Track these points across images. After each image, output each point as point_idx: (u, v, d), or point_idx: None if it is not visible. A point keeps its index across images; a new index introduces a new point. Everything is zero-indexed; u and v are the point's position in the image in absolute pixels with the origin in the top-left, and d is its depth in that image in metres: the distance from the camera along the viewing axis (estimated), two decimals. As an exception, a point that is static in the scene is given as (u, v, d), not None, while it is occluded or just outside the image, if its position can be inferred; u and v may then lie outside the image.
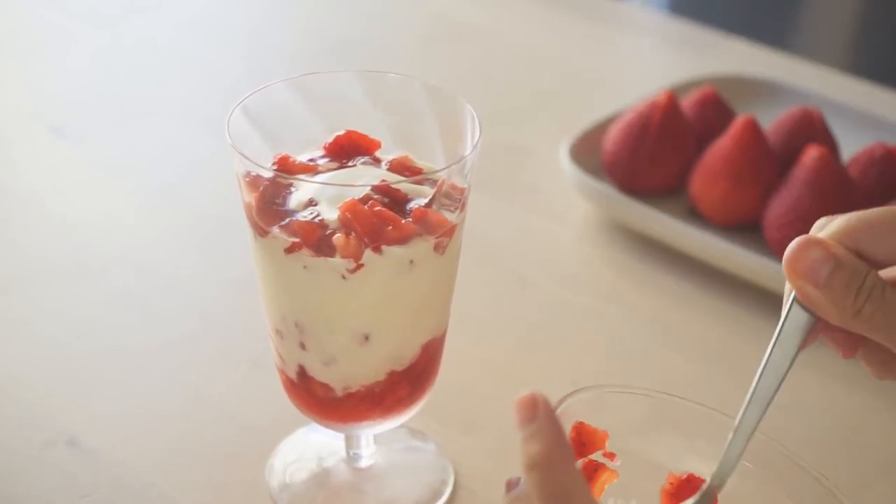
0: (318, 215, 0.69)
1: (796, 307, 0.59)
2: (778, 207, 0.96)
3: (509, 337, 0.93)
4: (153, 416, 0.85)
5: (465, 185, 0.72)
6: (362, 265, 0.69)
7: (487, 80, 1.24)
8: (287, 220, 0.69)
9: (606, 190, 1.02)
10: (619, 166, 1.03)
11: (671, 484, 0.64)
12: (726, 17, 1.59)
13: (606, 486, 0.64)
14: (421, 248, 0.69)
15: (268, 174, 0.70)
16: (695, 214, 1.02)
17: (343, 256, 0.68)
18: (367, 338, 0.72)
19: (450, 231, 0.71)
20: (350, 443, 0.80)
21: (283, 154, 0.73)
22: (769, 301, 0.94)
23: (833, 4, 2.21)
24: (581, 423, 0.63)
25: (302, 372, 0.74)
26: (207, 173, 1.10)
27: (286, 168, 0.72)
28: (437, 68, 1.25)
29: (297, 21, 1.37)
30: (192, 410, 0.85)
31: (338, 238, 0.68)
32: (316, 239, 0.69)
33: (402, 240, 0.69)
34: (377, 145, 0.74)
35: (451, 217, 0.71)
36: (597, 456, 0.64)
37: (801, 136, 1.02)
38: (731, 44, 1.31)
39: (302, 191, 0.70)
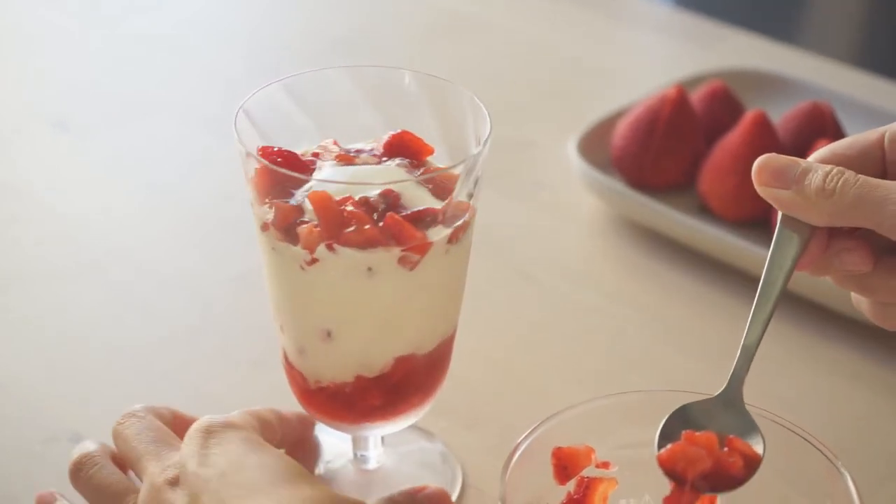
0: (303, 201, 0.68)
1: (781, 227, 0.62)
2: (788, 203, 0.95)
3: (513, 334, 0.92)
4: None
5: (471, 207, 0.69)
6: (317, 260, 0.67)
7: (491, 75, 1.23)
8: (280, 199, 0.68)
9: (615, 185, 1.01)
10: (627, 161, 1.02)
11: None
12: (732, 11, 1.58)
13: (609, 494, 0.64)
14: (382, 257, 0.67)
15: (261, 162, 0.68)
16: (704, 210, 1.01)
17: (303, 247, 0.67)
18: (329, 334, 0.70)
19: (421, 248, 0.68)
20: (357, 444, 0.78)
21: (333, 140, 0.71)
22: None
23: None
24: (559, 448, 0.63)
25: (285, 356, 0.74)
26: (208, 171, 1.09)
27: (290, 163, 0.70)
28: (441, 63, 1.24)
29: (298, 19, 1.37)
30: (194, 410, 0.84)
31: (302, 228, 0.67)
32: (287, 223, 0.67)
33: (361, 243, 0.67)
34: (428, 151, 0.71)
35: (434, 234, 0.68)
36: (588, 471, 0.64)
37: (811, 130, 1.01)
38: (739, 37, 1.30)
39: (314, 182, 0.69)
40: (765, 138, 0.98)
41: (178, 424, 0.71)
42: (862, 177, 0.60)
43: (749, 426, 0.61)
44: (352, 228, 0.66)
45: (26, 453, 0.80)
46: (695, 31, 1.32)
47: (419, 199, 0.68)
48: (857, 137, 0.63)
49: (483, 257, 0.96)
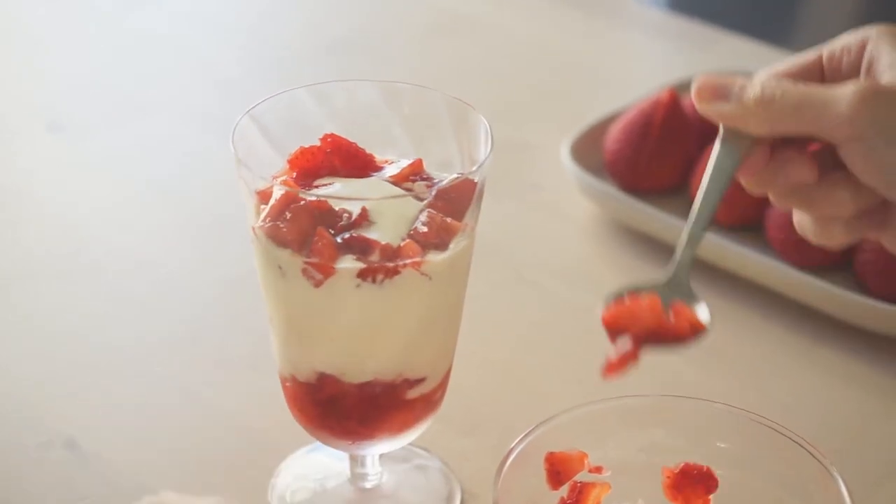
0: (312, 183, 0.68)
1: (722, 140, 0.62)
2: (780, 207, 0.96)
3: (509, 336, 0.92)
4: (152, 421, 0.84)
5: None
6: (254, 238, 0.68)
7: (488, 76, 1.23)
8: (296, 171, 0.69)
9: (608, 189, 1.01)
10: (620, 165, 1.02)
11: (668, 477, 0.64)
12: (727, 14, 1.58)
13: (602, 498, 0.65)
14: (288, 260, 0.66)
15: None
16: (697, 213, 1.01)
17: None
18: (270, 319, 0.71)
19: (322, 268, 0.66)
20: (354, 463, 0.77)
21: (419, 159, 0.71)
22: (770, 301, 0.94)
23: (833, 1, 2.20)
24: (551, 453, 0.64)
25: None
26: (207, 170, 1.09)
27: (352, 155, 0.70)
28: (439, 63, 1.24)
29: (298, 18, 1.36)
30: (192, 414, 0.84)
31: (263, 208, 0.67)
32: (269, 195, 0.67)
33: (273, 237, 0.66)
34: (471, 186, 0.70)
35: (344, 262, 0.66)
36: (581, 476, 0.64)
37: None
38: (733, 40, 1.30)
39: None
40: (758, 142, 0.98)
41: None
42: (801, 83, 0.60)
43: (696, 299, 0.61)
44: (280, 223, 0.66)
45: (22, 457, 0.80)
46: (689, 34, 1.32)
47: (390, 227, 0.66)
48: (796, 58, 0.64)
49: (477, 259, 0.96)
